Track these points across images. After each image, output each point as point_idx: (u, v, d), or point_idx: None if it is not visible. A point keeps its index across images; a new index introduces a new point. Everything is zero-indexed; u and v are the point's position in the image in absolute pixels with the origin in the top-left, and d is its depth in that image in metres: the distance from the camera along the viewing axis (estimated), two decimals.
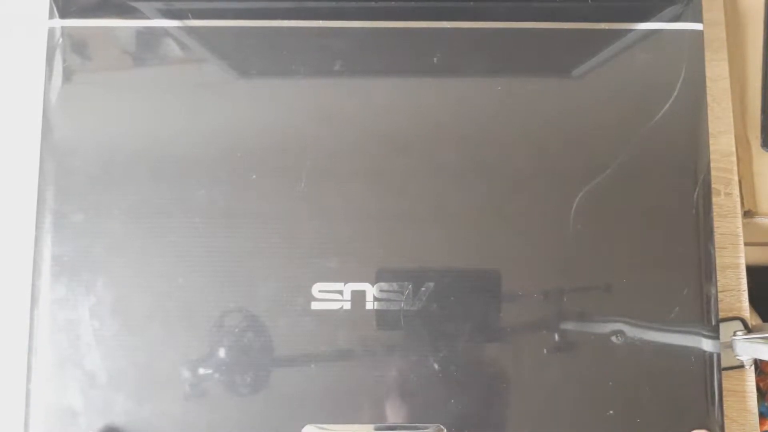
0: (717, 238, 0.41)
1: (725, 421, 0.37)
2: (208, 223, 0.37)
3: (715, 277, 0.38)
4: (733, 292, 0.41)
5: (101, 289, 0.37)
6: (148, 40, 0.40)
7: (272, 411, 0.36)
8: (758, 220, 0.44)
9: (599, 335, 0.37)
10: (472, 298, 0.37)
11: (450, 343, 0.37)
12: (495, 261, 0.37)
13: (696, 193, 0.38)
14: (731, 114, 0.43)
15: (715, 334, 0.37)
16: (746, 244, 0.42)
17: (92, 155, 0.38)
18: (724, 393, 0.37)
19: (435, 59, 0.40)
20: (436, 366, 0.37)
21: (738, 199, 0.42)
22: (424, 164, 0.38)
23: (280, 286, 0.37)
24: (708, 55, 0.40)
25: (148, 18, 0.40)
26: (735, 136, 0.43)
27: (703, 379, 0.37)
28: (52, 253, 0.37)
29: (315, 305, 0.37)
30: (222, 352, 0.37)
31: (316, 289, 0.37)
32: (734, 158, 0.43)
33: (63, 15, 0.40)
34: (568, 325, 0.37)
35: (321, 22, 0.40)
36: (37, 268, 0.37)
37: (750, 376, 0.41)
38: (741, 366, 0.40)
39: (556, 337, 0.37)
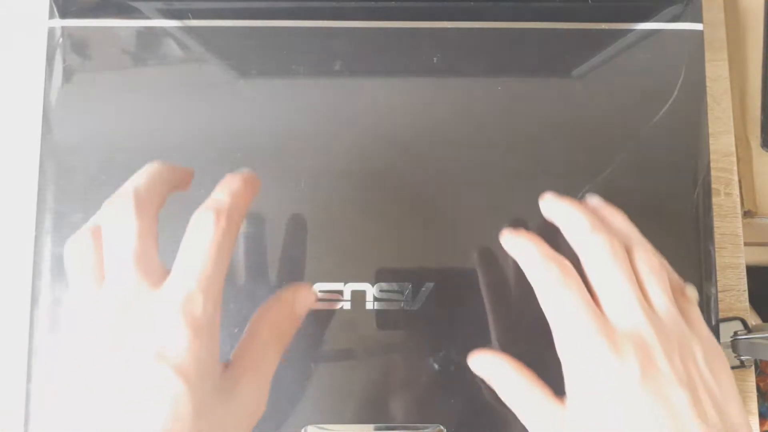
0: (717, 238, 0.41)
1: None
2: None
3: (715, 277, 0.37)
4: (733, 292, 0.41)
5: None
6: (148, 40, 0.40)
7: (272, 411, 0.36)
8: (758, 220, 0.44)
9: None
10: (472, 298, 0.37)
11: (450, 343, 0.37)
12: (495, 261, 0.37)
13: (696, 193, 0.38)
14: (731, 114, 0.43)
15: (715, 334, 0.37)
16: (746, 244, 0.42)
17: (92, 155, 0.38)
18: None
19: (435, 59, 0.40)
20: (436, 366, 0.37)
21: (738, 199, 0.42)
22: (424, 164, 0.38)
23: (281, 286, 0.37)
24: (708, 55, 0.40)
25: (148, 18, 0.40)
26: (735, 136, 0.43)
27: None
28: (52, 253, 0.37)
29: (315, 305, 0.37)
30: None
31: (316, 289, 0.37)
32: (734, 158, 0.43)
33: (63, 15, 0.40)
34: None
35: (321, 22, 0.40)
36: (37, 268, 0.37)
37: (750, 376, 0.41)
38: (741, 366, 0.40)
39: None
